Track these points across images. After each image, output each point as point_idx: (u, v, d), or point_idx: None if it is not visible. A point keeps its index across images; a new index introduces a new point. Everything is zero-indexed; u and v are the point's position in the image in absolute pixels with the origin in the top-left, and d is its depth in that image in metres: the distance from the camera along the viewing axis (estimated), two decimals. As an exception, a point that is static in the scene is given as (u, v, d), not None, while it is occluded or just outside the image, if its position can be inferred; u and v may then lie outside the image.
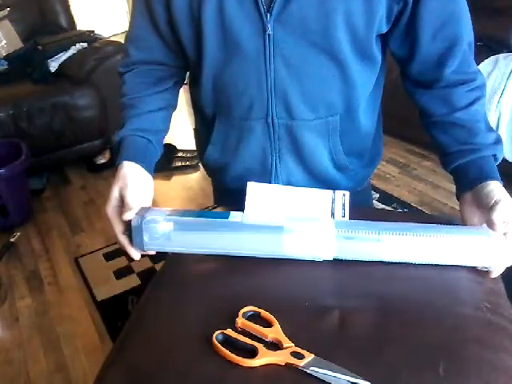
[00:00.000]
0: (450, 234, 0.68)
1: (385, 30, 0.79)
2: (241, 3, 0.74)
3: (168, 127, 0.93)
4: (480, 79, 0.82)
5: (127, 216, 0.74)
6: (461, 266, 0.70)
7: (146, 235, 0.72)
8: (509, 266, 0.69)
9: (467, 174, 0.78)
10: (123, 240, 0.77)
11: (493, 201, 0.70)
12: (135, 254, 0.77)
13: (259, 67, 0.79)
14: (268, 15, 0.74)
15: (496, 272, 0.70)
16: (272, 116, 0.83)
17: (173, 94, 0.94)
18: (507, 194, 0.72)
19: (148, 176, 0.83)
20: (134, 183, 0.78)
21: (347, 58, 0.78)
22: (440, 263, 0.70)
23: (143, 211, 0.74)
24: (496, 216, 0.68)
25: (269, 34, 0.75)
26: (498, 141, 0.79)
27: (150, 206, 0.81)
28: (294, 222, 0.71)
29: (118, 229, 0.77)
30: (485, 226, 0.71)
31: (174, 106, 0.94)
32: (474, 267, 0.71)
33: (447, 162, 0.82)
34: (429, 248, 0.69)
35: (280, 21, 0.74)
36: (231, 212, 0.73)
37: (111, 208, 0.78)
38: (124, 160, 0.81)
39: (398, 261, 0.70)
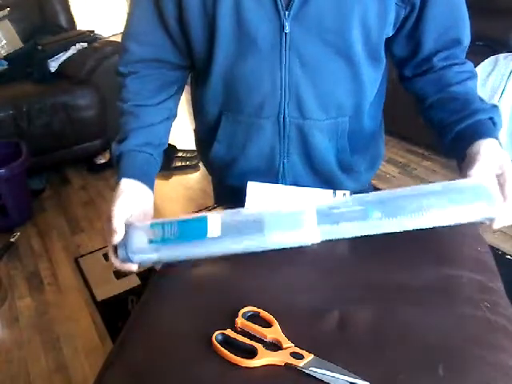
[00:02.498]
0: (441, 207, 0.64)
1: (390, 33, 0.80)
2: (258, 0, 0.74)
3: (168, 138, 0.92)
4: (470, 66, 0.83)
5: (113, 240, 0.73)
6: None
7: (136, 263, 0.73)
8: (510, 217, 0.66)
9: (463, 139, 0.75)
10: (115, 261, 0.75)
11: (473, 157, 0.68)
12: (132, 267, 0.76)
13: (274, 65, 0.78)
14: (286, 13, 0.74)
15: (498, 222, 0.66)
16: (284, 115, 0.83)
17: (175, 102, 0.92)
18: (501, 151, 0.70)
19: (147, 192, 0.82)
20: (125, 203, 0.76)
21: (360, 58, 0.79)
22: (435, 226, 0.67)
23: (125, 234, 0.73)
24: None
25: (286, 33, 0.75)
26: (495, 106, 0.78)
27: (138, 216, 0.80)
28: (275, 218, 0.68)
29: (111, 251, 0.75)
30: (481, 177, 0.67)
31: (175, 116, 0.93)
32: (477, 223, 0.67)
33: (445, 135, 0.80)
34: (420, 222, 0.65)
35: (297, 19, 0.74)
36: (208, 218, 0.70)
37: (105, 226, 0.76)
38: (123, 177, 0.80)
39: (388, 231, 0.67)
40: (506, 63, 2.03)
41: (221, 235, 0.69)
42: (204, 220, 0.70)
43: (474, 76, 0.83)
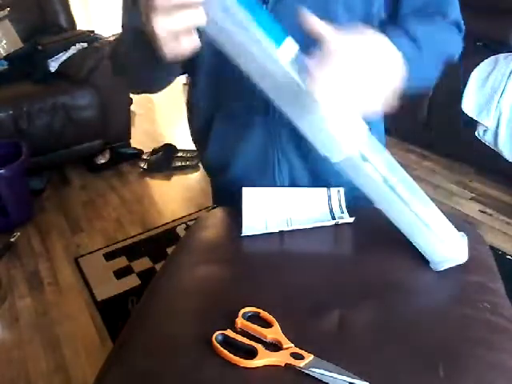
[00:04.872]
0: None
1: (383, 14, 0.79)
2: None
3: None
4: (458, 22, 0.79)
5: None
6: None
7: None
8: None
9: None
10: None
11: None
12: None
13: None
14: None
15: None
16: (272, 112, 0.83)
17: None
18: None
19: None
20: None
21: None
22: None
23: None
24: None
25: None
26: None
27: None
28: None
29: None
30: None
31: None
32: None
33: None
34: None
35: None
36: (287, 38, 0.59)
37: None
38: None
39: None
40: (506, 63, 2.03)
41: (290, 61, 0.59)
42: (284, 36, 0.60)
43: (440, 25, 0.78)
